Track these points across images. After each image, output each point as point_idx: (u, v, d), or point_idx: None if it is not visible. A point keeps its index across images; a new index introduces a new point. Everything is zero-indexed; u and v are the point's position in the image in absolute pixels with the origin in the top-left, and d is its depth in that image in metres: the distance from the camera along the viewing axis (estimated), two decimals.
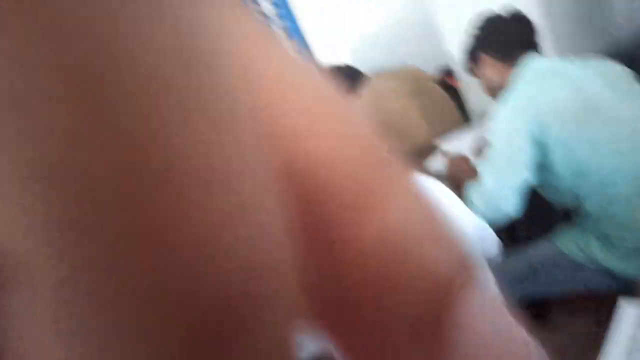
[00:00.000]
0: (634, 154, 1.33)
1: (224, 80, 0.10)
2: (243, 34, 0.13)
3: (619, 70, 1.46)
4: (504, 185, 1.33)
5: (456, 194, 0.92)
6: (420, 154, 1.86)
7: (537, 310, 1.61)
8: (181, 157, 0.09)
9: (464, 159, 1.56)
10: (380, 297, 0.15)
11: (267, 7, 3.22)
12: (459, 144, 1.83)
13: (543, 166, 1.38)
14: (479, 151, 1.62)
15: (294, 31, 3.20)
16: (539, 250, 1.49)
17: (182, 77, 0.09)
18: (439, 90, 2.10)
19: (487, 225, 0.93)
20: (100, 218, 0.09)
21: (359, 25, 2.98)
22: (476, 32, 1.58)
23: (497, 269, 0.89)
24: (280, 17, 3.20)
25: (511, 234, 1.60)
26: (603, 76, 1.40)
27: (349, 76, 2.02)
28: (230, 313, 0.10)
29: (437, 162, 1.74)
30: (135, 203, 0.09)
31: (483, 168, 1.40)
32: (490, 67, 1.55)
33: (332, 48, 3.07)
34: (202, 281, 0.10)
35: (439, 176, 1.25)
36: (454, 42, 1.93)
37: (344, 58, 2.89)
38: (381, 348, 0.16)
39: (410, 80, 2.06)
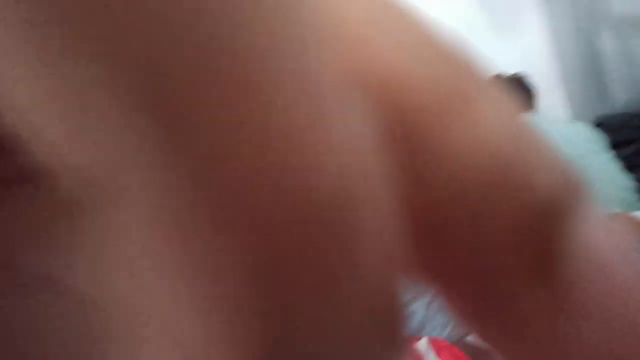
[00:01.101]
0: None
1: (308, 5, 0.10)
2: None
3: (586, 134, 1.82)
4: None
5: None
6: None
7: None
8: (267, 73, 0.09)
9: None
10: (480, 211, 0.14)
11: None
12: None
13: None
14: None
15: None
16: None
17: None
18: None
19: None
20: (191, 137, 0.08)
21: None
22: None
23: None
24: None
25: None
26: (568, 138, 1.78)
27: None
28: (322, 222, 0.10)
29: None
30: (222, 117, 0.09)
31: None
32: None
33: None
34: (291, 193, 0.09)
35: None
36: None
37: None
38: (486, 275, 0.14)
39: None
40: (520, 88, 1.94)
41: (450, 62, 0.15)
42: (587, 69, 2.23)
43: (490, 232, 0.14)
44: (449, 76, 0.14)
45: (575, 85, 2.20)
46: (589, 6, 2.18)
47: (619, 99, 2.22)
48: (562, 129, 1.80)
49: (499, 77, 1.98)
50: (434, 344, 1.11)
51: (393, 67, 0.13)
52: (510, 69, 2.04)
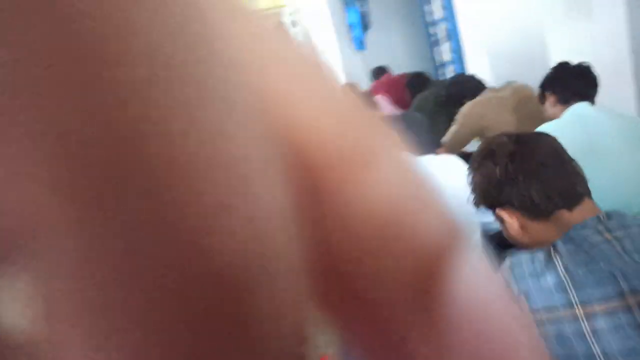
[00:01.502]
0: (618, 197, 1.75)
1: (223, 66, 0.10)
2: (238, 24, 0.13)
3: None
4: None
5: None
6: None
7: None
8: (184, 143, 0.09)
9: None
10: (375, 266, 0.15)
11: (437, 8, 3.77)
12: None
13: None
14: None
15: (452, 32, 3.73)
16: None
17: (182, 56, 0.09)
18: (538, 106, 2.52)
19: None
20: (114, 196, 0.09)
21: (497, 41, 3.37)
22: (548, 74, 2.07)
23: None
24: (445, 19, 3.74)
25: None
26: (621, 130, 1.84)
27: (471, 85, 2.57)
28: (230, 291, 0.10)
29: None
30: (143, 185, 0.09)
31: None
32: (551, 104, 2.04)
33: (477, 55, 3.47)
34: (204, 260, 0.09)
35: None
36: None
37: (484, 66, 3.34)
38: (382, 322, 0.16)
39: (516, 94, 2.45)
40: (584, 78, 2.00)
41: (358, 120, 0.15)
42: None
43: (383, 281, 0.15)
44: (354, 134, 0.15)
45: None
46: None
47: None
48: (624, 123, 1.87)
49: (563, 66, 2.05)
50: None
51: (302, 125, 0.13)
52: (583, 56, 2.10)
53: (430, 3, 3.91)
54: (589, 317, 0.84)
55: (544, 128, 1.89)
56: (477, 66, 3.43)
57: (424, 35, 4.36)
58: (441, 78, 4.06)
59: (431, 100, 3.25)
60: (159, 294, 0.09)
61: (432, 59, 4.24)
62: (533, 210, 0.99)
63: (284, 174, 0.12)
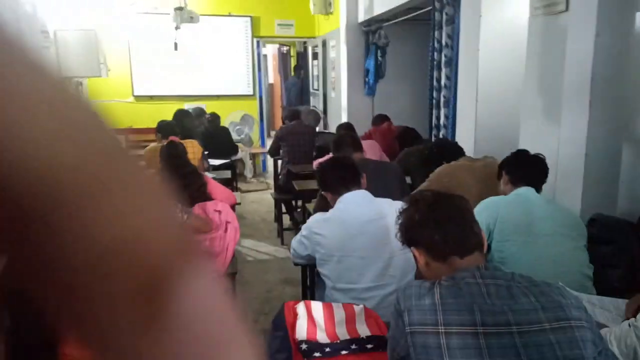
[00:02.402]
0: (542, 276, 2.04)
1: None
2: None
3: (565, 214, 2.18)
4: None
5: None
6: None
7: None
8: None
9: None
10: (100, 287, 0.17)
11: (443, 76, 4.16)
12: None
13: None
14: None
15: (450, 101, 4.11)
16: None
17: None
18: None
19: None
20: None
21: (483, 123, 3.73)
22: (508, 156, 2.39)
23: None
24: (447, 87, 4.12)
25: None
26: (556, 219, 2.13)
27: (452, 150, 2.91)
28: None
29: None
30: None
31: None
32: (504, 182, 2.35)
33: (466, 127, 3.84)
34: None
35: None
36: None
37: (469, 137, 3.72)
38: (107, 338, 0.18)
39: (486, 167, 2.79)
40: (535, 167, 2.31)
41: (95, 152, 0.16)
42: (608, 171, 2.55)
43: (113, 297, 0.17)
44: (86, 166, 0.16)
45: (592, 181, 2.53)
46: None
47: (623, 207, 2.54)
48: (561, 214, 2.17)
49: (521, 152, 2.38)
50: None
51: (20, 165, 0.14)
52: (547, 149, 2.43)
53: (440, 69, 4.30)
54: (447, 335, 1.13)
55: (490, 200, 2.20)
56: (464, 135, 3.78)
57: (427, 97, 4.73)
58: (434, 137, 4.40)
59: (416, 155, 3.58)
60: None
61: (430, 118, 4.60)
62: (434, 252, 1.28)
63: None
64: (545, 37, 2.77)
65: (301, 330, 1.64)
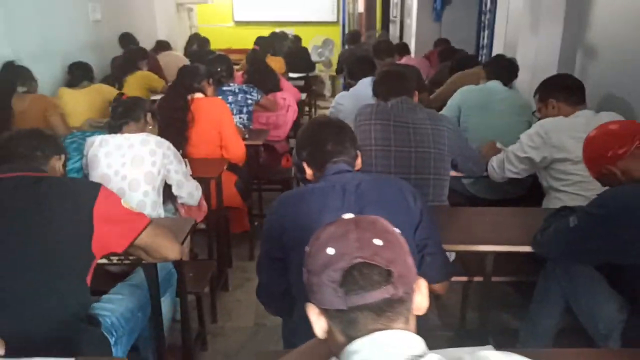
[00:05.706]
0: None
1: None
2: None
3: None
4: None
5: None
6: None
7: None
8: None
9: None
10: None
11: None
12: None
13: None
14: None
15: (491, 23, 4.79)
16: None
17: None
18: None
19: None
20: None
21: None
22: (490, 58, 3.20)
23: None
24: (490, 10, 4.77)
25: None
26: (508, 100, 2.95)
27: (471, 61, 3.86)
28: None
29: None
30: None
31: None
32: (482, 77, 3.19)
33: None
34: None
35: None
36: None
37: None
38: None
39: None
40: (506, 67, 3.11)
41: None
42: None
43: None
44: None
45: None
46: None
47: None
48: (513, 96, 3.01)
49: (498, 56, 3.15)
50: None
51: None
52: (527, 57, 3.20)
53: None
54: None
55: (463, 88, 3.08)
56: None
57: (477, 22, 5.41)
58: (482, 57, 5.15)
59: (446, 68, 4.40)
60: None
61: (478, 40, 5.31)
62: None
63: None
64: None
65: None
